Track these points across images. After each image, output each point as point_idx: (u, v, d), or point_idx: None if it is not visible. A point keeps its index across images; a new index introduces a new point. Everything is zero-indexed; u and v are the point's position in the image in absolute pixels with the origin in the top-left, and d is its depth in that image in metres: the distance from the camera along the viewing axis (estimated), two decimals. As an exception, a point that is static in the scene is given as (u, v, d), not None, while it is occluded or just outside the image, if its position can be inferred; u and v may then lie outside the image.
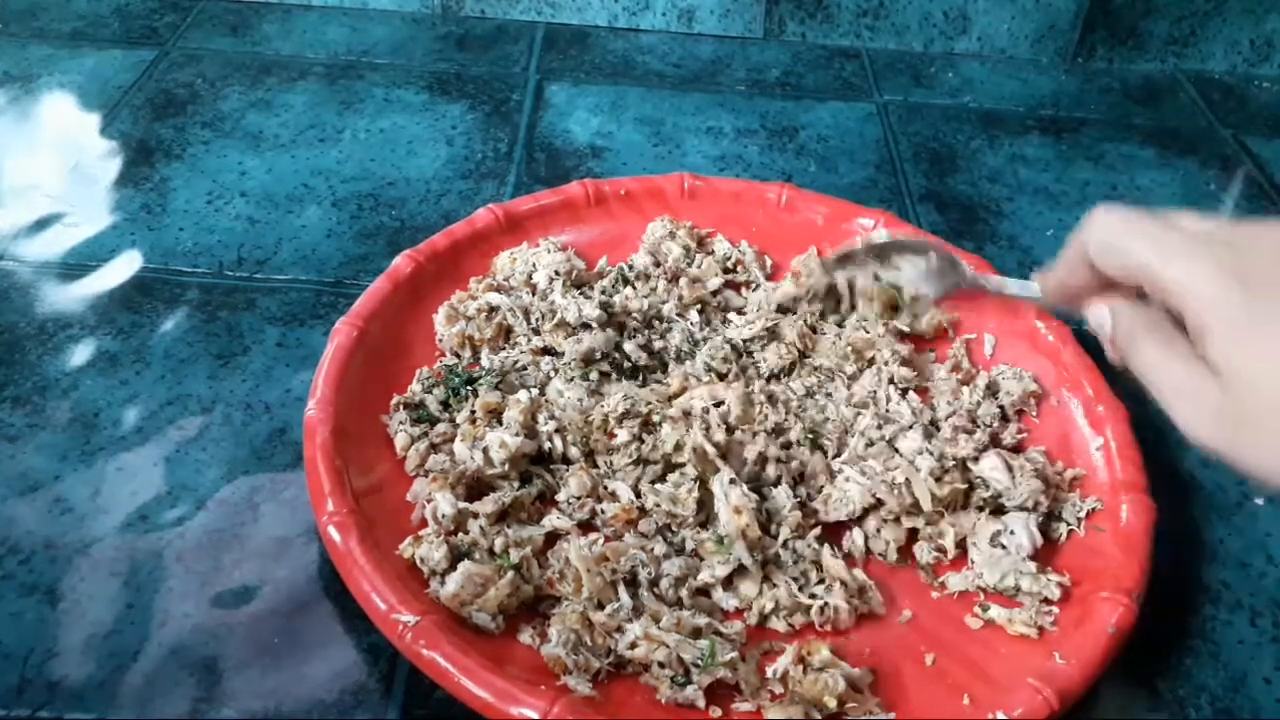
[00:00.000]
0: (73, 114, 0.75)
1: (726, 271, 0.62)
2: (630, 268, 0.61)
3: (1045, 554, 0.48)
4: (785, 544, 0.47)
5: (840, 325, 0.58)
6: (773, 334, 0.57)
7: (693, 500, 0.47)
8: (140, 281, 0.61)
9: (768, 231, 0.65)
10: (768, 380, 0.55)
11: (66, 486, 0.49)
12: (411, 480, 0.49)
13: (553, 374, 0.54)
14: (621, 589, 0.44)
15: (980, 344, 0.58)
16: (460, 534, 0.46)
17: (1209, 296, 0.31)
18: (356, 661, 0.43)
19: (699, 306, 0.59)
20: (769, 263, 0.63)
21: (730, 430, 0.50)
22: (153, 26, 0.86)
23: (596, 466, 0.50)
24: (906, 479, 0.48)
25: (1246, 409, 0.30)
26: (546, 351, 0.56)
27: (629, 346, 0.55)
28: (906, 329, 0.58)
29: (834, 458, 0.51)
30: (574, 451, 0.50)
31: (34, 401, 0.53)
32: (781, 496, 0.48)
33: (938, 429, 0.52)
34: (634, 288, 0.60)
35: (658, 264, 0.61)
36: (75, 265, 0.62)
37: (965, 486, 0.49)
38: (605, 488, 0.49)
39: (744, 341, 0.57)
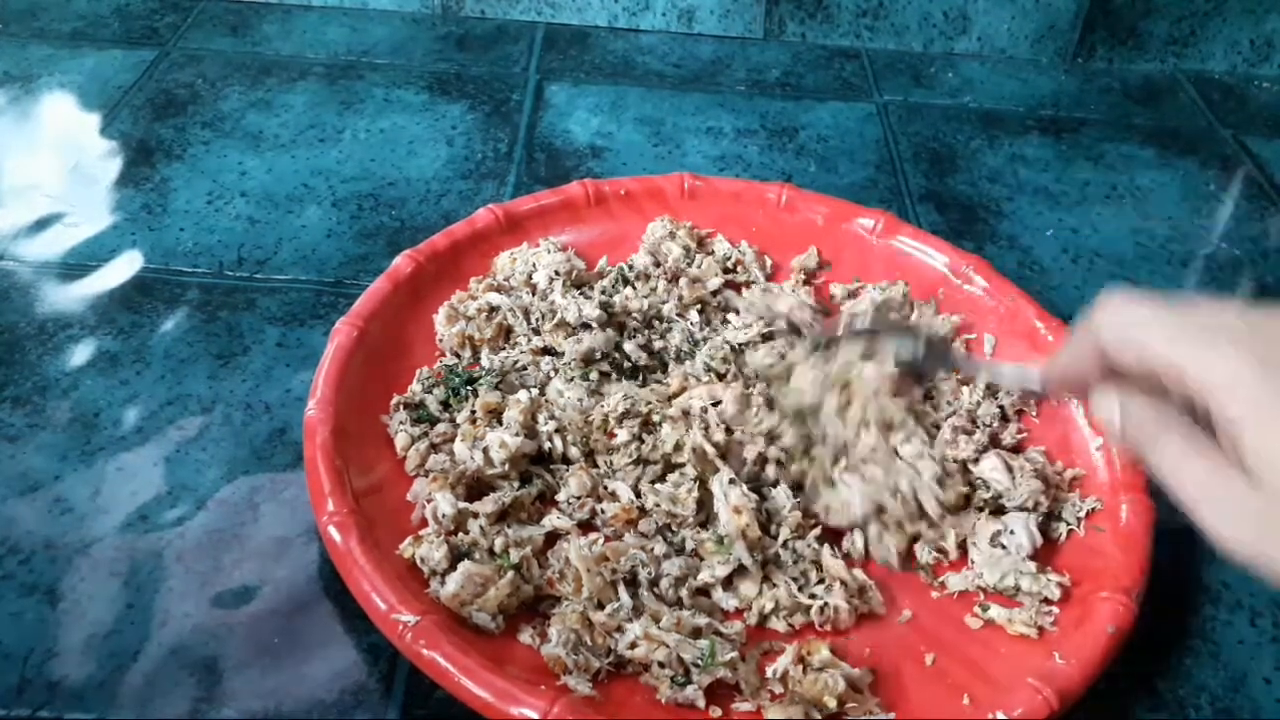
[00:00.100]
0: (73, 114, 0.75)
1: (726, 271, 0.62)
2: (630, 268, 0.61)
3: (1045, 554, 0.48)
4: (785, 544, 0.47)
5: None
6: (767, 338, 0.57)
7: (692, 500, 0.47)
8: (140, 281, 0.61)
9: (768, 231, 0.65)
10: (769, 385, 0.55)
11: (66, 486, 0.49)
12: (411, 480, 0.49)
13: (553, 374, 0.54)
14: (621, 589, 0.44)
15: (980, 344, 0.58)
16: (460, 534, 0.46)
17: (1237, 388, 0.29)
18: (356, 661, 0.43)
19: (699, 306, 0.59)
20: (769, 263, 0.63)
21: (730, 430, 0.50)
22: (153, 26, 0.86)
23: (596, 466, 0.50)
24: (912, 487, 0.48)
25: None
26: (546, 351, 0.56)
27: (629, 346, 0.55)
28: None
29: (833, 464, 0.50)
30: (574, 451, 0.50)
31: (34, 401, 0.53)
32: (781, 497, 0.48)
33: (938, 428, 0.52)
34: (634, 288, 0.60)
35: (658, 264, 0.61)
36: (75, 265, 0.62)
37: (967, 489, 0.49)
38: (605, 488, 0.49)
39: (740, 344, 0.57)
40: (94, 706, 0.41)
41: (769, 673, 0.43)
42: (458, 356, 0.56)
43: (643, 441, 0.50)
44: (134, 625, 0.43)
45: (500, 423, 0.51)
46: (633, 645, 0.42)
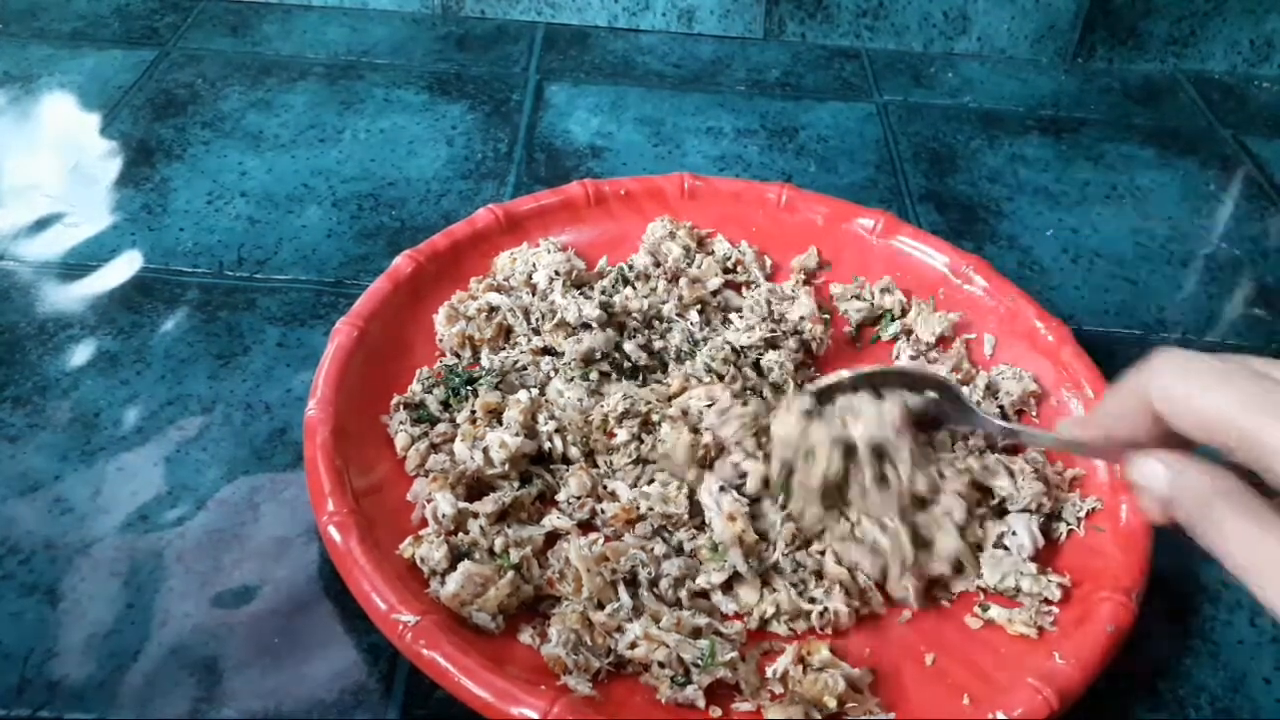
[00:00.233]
0: (73, 114, 0.75)
1: (726, 272, 0.62)
2: (630, 268, 0.61)
3: (1045, 554, 0.48)
4: (786, 554, 0.46)
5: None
6: (771, 344, 0.56)
7: (684, 499, 0.47)
8: (140, 281, 0.61)
9: (768, 231, 0.65)
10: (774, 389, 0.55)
11: (67, 486, 0.49)
12: (411, 480, 0.49)
13: (553, 374, 0.54)
14: (621, 589, 0.44)
15: (980, 344, 0.58)
16: (460, 534, 0.46)
17: None
18: (356, 661, 0.43)
19: (699, 306, 0.59)
20: (769, 263, 0.63)
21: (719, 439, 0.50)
22: (153, 27, 0.86)
23: (596, 466, 0.50)
24: (932, 534, 0.46)
25: None
26: (546, 351, 0.56)
27: (629, 346, 0.55)
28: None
29: (853, 525, 0.47)
30: (574, 451, 0.50)
31: (34, 401, 0.53)
32: (773, 512, 0.47)
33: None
34: (634, 288, 0.60)
35: (658, 264, 0.61)
36: (75, 265, 0.62)
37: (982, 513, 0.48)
38: (605, 488, 0.49)
39: (742, 348, 0.56)
40: (94, 706, 0.41)
41: (769, 673, 0.43)
42: (458, 356, 0.56)
43: (643, 441, 0.50)
44: (134, 625, 0.43)
45: (500, 423, 0.51)
46: (633, 645, 0.42)
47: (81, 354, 0.56)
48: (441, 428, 0.51)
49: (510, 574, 0.43)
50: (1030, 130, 0.82)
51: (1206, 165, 0.80)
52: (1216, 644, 0.47)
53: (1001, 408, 0.54)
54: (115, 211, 0.66)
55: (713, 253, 0.63)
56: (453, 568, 0.44)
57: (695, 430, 0.49)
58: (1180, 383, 0.31)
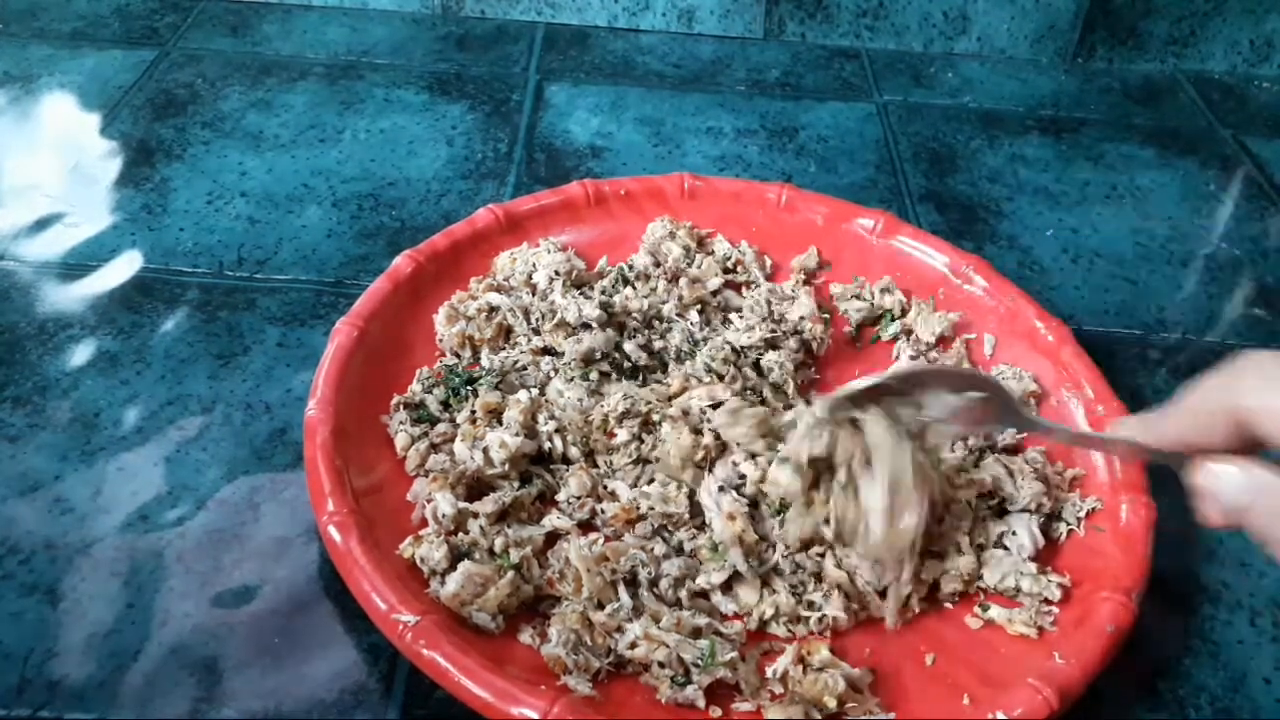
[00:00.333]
0: (73, 114, 0.75)
1: (726, 272, 0.62)
2: (630, 268, 0.61)
3: (1045, 554, 0.48)
4: (786, 555, 0.46)
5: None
6: (771, 344, 0.56)
7: (684, 499, 0.47)
8: (140, 281, 0.61)
9: (768, 231, 0.65)
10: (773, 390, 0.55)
11: (67, 486, 0.49)
12: (411, 480, 0.49)
13: (553, 374, 0.54)
14: (621, 589, 0.44)
15: (980, 344, 0.58)
16: (460, 534, 0.46)
17: None
18: (356, 661, 0.43)
19: (699, 307, 0.59)
20: (769, 263, 0.63)
21: (719, 438, 0.50)
22: (153, 27, 0.86)
23: (596, 466, 0.50)
24: (941, 546, 0.46)
25: None
26: (546, 351, 0.56)
27: (629, 346, 0.55)
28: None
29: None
30: (574, 451, 0.50)
31: (34, 401, 0.53)
32: (770, 519, 0.47)
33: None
34: (634, 288, 0.60)
35: (658, 264, 0.61)
36: (75, 265, 0.62)
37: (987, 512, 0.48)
38: (605, 487, 0.49)
39: (742, 348, 0.56)
40: (94, 706, 0.41)
41: (769, 673, 0.43)
42: (458, 356, 0.56)
43: (643, 441, 0.50)
44: (134, 625, 0.43)
45: (500, 423, 0.51)
46: (633, 645, 0.42)
47: (81, 354, 0.56)
48: (441, 428, 0.51)
49: (510, 574, 0.44)
50: (1030, 130, 0.82)
51: (1206, 165, 0.80)
52: (1216, 644, 0.47)
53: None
54: (115, 211, 0.66)
55: (713, 253, 0.63)
56: (453, 568, 0.44)
57: (696, 431, 0.49)
58: (1274, 390, 0.30)
